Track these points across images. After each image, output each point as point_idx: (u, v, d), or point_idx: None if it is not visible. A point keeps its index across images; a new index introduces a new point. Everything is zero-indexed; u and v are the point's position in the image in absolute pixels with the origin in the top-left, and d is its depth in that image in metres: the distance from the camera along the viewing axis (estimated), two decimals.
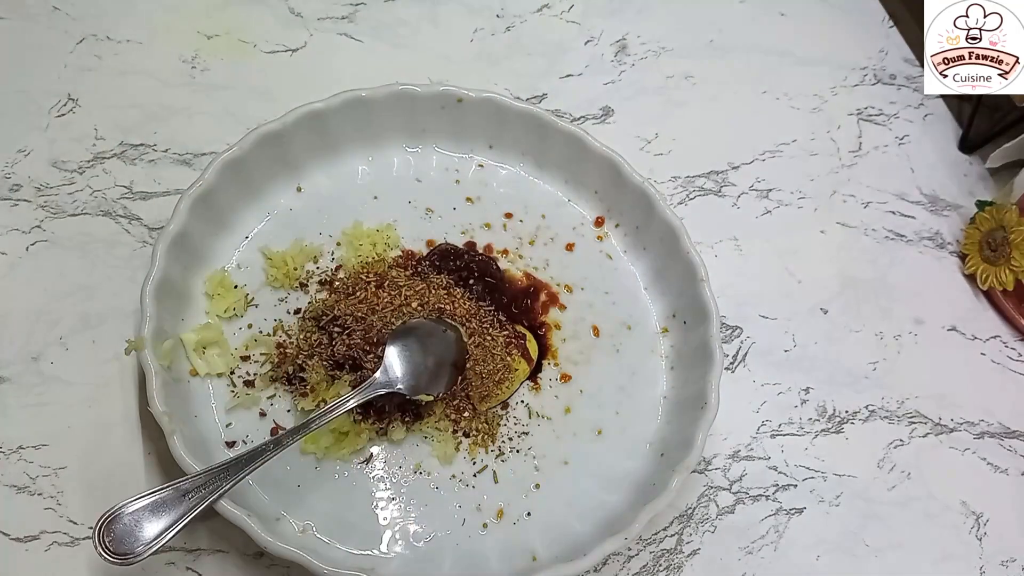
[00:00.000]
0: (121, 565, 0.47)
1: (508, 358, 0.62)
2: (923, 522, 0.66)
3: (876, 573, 0.64)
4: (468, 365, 0.61)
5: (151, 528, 0.48)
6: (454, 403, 0.61)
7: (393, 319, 0.61)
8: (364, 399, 0.56)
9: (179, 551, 0.55)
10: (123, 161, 0.69)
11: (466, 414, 0.61)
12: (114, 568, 0.54)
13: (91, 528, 0.54)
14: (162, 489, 0.49)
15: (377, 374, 0.57)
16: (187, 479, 0.50)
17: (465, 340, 0.62)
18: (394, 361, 0.58)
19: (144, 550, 0.47)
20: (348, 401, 0.55)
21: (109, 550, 0.47)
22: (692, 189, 0.78)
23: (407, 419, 0.59)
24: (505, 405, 0.62)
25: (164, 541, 0.48)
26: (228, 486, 0.50)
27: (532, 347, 0.64)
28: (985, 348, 0.76)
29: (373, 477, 0.58)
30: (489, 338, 0.62)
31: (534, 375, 0.64)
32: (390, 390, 0.57)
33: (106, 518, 0.47)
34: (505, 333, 0.63)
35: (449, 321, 0.62)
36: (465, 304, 0.64)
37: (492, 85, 0.77)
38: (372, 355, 0.59)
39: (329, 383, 0.59)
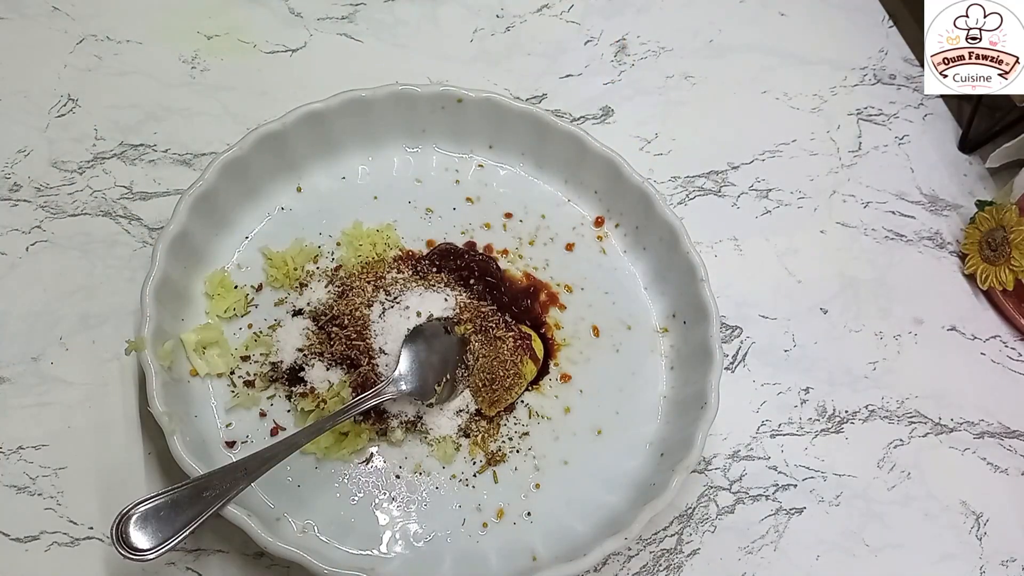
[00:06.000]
0: (137, 561, 0.46)
1: (518, 364, 0.62)
2: (923, 522, 0.66)
3: (876, 573, 0.64)
4: (475, 369, 0.61)
5: (165, 526, 0.47)
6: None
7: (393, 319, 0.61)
8: (379, 401, 0.57)
9: (179, 551, 0.55)
10: (123, 161, 0.69)
11: (466, 415, 0.61)
12: (120, 567, 0.54)
13: (91, 528, 0.55)
14: (180, 488, 0.49)
15: (395, 374, 0.58)
16: (202, 478, 0.50)
17: (472, 344, 0.62)
18: (409, 365, 0.58)
19: (160, 545, 0.47)
20: (365, 403, 0.56)
21: (125, 546, 0.46)
22: (692, 189, 0.78)
23: (406, 420, 0.59)
24: (510, 407, 0.62)
25: (181, 538, 0.47)
26: (244, 485, 0.50)
27: (537, 346, 0.64)
28: (985, 348, 0.76)
29: (373, 477, 0.58)
30: (497, 342, 0.62)
31: (539, 376, 0.64)
32: (403, 394, 0.57)
33: (123, 515, 0.47)
34: (512, 335, 0.63)
35: (460, 329, 0.62)
36: (467, 305, 0.64)
37: (492, 85, 0.77)
38: (370, 355, 0.59)
39: (328, 383, 0.59)
